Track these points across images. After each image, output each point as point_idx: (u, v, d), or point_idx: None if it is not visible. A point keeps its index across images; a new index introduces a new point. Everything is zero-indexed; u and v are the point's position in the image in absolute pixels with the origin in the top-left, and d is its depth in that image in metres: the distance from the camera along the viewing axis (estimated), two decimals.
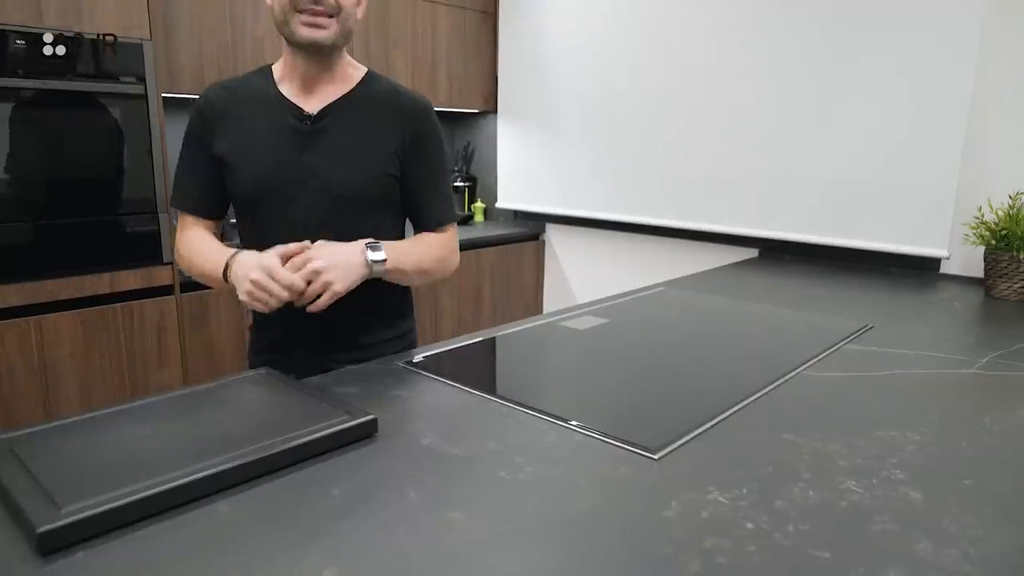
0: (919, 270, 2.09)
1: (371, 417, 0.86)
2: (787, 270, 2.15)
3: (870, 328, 1.43)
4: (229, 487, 0.73)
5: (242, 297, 1.04)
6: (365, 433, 0.86)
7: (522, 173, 3.17)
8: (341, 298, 1.06)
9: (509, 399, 1.00)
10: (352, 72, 1.20)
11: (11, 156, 1.69)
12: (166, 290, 1.99)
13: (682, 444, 0.86)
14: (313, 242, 1.09)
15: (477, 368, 1.20)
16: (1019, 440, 0.90)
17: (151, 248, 1.94)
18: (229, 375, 1.01)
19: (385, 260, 1.11)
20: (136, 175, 1.89)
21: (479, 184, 3.40)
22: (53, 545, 0.62)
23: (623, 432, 0.88)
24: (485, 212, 3.38)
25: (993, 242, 1.78)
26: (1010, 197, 1.83)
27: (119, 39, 1.81)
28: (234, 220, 1.24)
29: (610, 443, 0.86)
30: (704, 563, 0.62)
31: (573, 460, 0.82)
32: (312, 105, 1.16)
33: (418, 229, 1.27)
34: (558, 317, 1.48)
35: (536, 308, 3.24)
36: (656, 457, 0.82)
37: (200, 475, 0.71)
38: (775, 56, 2.28)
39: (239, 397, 0.94)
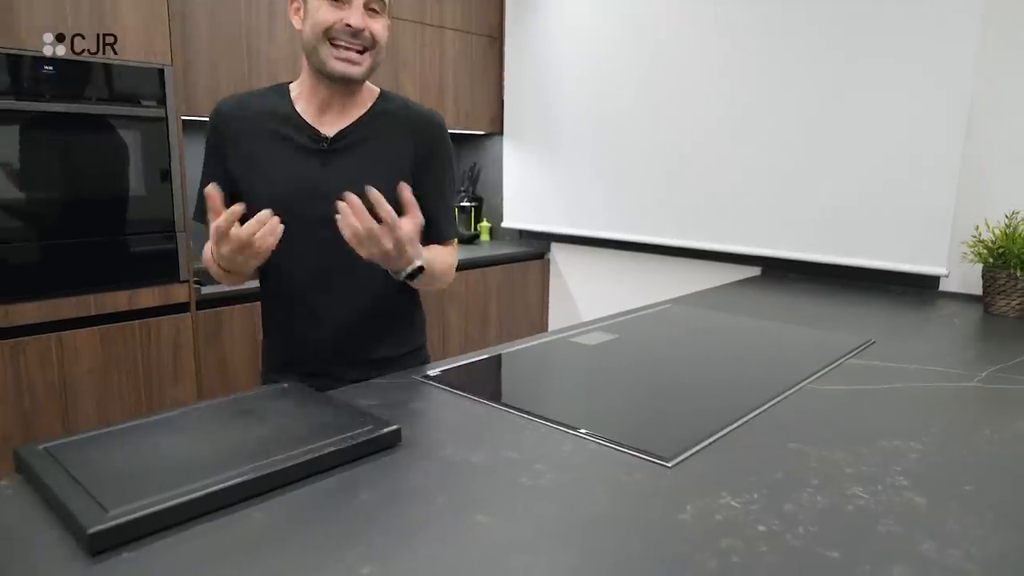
0: (919, 288, 2.14)
1: (395, 427, 0.90)
2: (790, 288, 2.19)
3: (872, 343, 1.47)
4: (263, 493, 0.77)
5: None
6: (389, 443, 0.89)
7: (527, 193, 3.23)
8: (355, 315, 1.09)
9: (525, 411, 1.04)
10: (366, 94, 1.22)
11: (36, 177, 1.75)
12: (182, 307, 2.04)
13: (694, 453, 0.89)
14: (325, 260, 1.11)
15: (492, 381, 1.24)
16: (1018, 449, 0.93)
17: (169, 266, 1.99)
18: (253, 389, 1.05)
19: (422, 266, 1.08)
20: (155, 195, 1.95)
21: (485, 204, 3.46)
22: (102, 545, 0.65)
23: (637, 441, 0.92)
24: (491, 232, 3.44)
25: (991, 260, 1.82)
26: (1006, 216, 1.88)
27: (143, 65, 1.88)
28: None
29: (625, 452, 0.89)
30: (720, 561, 0.65)
31: (590, 467, 0.85)
32: (328, 127, 1.18)
33: (421, 241, 1.29)
34: (568, 333, 1.52)
35: (541, 326, 3.27)
36: (669, 465, 0.86)
37: (236, 481, 0.75)
38: (776, 80, 2.35)
39: (266, 408, 0.97)
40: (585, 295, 3.17)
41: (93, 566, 0.63)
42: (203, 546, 0.67)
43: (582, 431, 0.96)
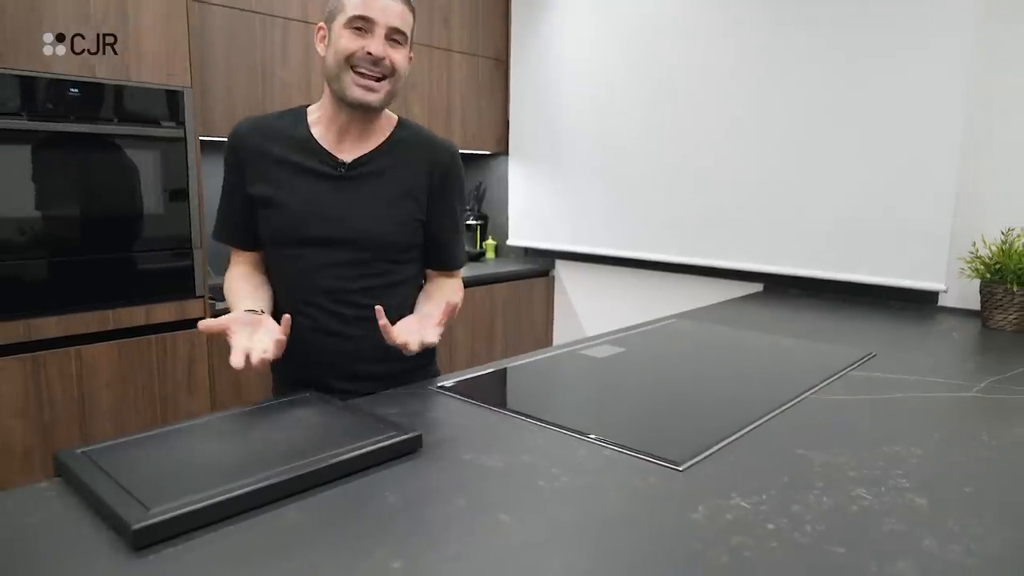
0: (919, 303, 2.18)
1: (417, 433, 0.94)
2: (792, 303, 2.23)
3: (873, 356, 1.51)
4: (294, 494, 0.80)
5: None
6: (411, 448, 0.93)
7: (532, 212, 3.28)
8: (367, 334, 1.14)
9: (540, 419, 1.07)
10: (385, 122, 1.25)
11: (59, 195, 1.80)
12: (197, 323, 2.07)
13: (704, 457, 0.93)
14: (339, 282, 1.17)
15: (505, 391, 1.28)
16: (1016, 455, 0.97)
17: (185, 282, 2.04)
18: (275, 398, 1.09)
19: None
20: (172, 214, 2.00)
21: (490, 223, 3.52)
22: (145, 541, 0.69)
23: (649, 447, 0.95)
24: (496, 249, 3.49)
25: (988, 275, 1.86)
26: (1002, 233, 1.92)
27: (163, 87, 1.94)
28: None
29: (637, 457, 0.93)
30: (732, 557, 0.68)
31: (604, 472, 0.89)
32: (346, 153, 1.20)
33: (430, 267, 1.32)
34: (577, 346, 1.56)
35: (547, 342, 3.31)
36: (681, 469, 0.89)
37: (270, 482, 0.78)
38: (777, 102, 2.41)
39: (291, 415, 1.01)
40: (589, 312, 3.21)
41: (136, 560, 0.67)
42: (240, 543, 0.71)
43: (594, 437, 0.99)
